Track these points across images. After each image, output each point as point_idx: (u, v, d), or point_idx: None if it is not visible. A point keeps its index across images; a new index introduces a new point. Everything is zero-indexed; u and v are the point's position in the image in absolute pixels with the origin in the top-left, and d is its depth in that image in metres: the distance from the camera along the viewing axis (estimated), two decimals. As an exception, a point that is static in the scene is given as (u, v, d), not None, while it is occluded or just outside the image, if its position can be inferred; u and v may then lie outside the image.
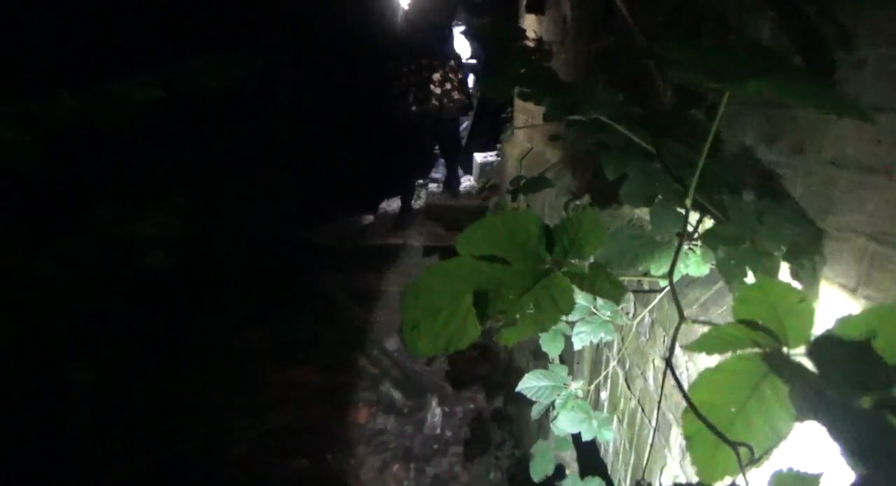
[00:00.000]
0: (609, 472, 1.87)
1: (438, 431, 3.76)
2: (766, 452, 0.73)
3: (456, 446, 3.65)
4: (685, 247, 1.35)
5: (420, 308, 0.78)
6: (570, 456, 2.31)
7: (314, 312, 4.84)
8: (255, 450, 3.56)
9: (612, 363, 1.74)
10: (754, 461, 0.71)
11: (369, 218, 6.45)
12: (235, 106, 4.71)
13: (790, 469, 0.69)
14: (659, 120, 1.67)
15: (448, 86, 5.43)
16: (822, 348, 0.68)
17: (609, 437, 1.57)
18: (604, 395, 1.80)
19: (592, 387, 1.73)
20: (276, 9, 5.08)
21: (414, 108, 5.40)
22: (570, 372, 1.85)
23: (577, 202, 2.45)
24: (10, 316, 2.71)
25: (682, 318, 0.84)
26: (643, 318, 1.55)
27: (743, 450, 0.70)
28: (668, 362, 0.80)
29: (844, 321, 0.69)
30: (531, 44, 1.91)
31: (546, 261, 0.83)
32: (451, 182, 6.42)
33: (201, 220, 4.01)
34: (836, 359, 0.65)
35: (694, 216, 1.30)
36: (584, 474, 1.88)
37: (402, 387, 4.04)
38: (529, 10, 3.70)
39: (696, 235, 1.30)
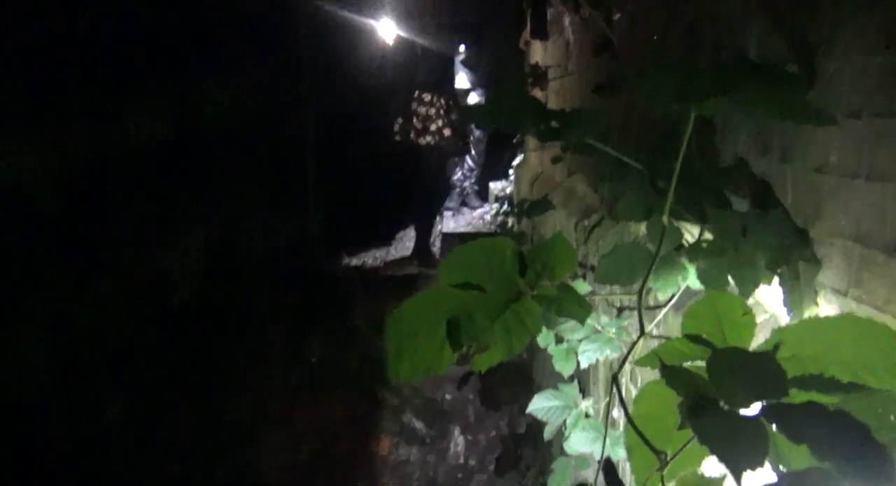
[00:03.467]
0: (629, 492, 1.84)
1: (462, 459, 3.73)
2: (699, 463, 0.75)
3: (480, 474, 3.62)
4: (685, 260, 1.36)
5: (402, 335, 0.81)
6: (593, 476, 2.27)
7: (336, 342, 4.87)
8: (282, 483, 3.57)
9: (624, 380, 1.73)
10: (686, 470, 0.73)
11: (387, 248, 6.51)
12: (260, 136, 4.78)
13: (695, 472, 0.72)
14: (654, 136, 1.69)
15: (440, 123, 5.00)
16: (721, 359, 0.70)
17: (622, 454, 1.56)
18: (616, 413, 1.78)
19: (602, 406, 1.71)
20: (292, 40, 5.16)
21: (398, 138, 5.20)
22: (584, 391, 1.84)
23: (586, 222, 2.47)
24: (45, 356, 2.79)
25: (642, 332, 0.86)
26: (650, 333, 1.55)
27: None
28: (615, 378, 0.83)
29: (780, 331, 0.73)
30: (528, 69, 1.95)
31: (519, 285, 0.85)
32: (420, 244, 5.69)
33: (225, 251, 4.09)
34: (732, 370, 0.67)
35: (696, 229, 1.31)
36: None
37: (423, 416, 4.03)
38: (533, 36, 3.78)
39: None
